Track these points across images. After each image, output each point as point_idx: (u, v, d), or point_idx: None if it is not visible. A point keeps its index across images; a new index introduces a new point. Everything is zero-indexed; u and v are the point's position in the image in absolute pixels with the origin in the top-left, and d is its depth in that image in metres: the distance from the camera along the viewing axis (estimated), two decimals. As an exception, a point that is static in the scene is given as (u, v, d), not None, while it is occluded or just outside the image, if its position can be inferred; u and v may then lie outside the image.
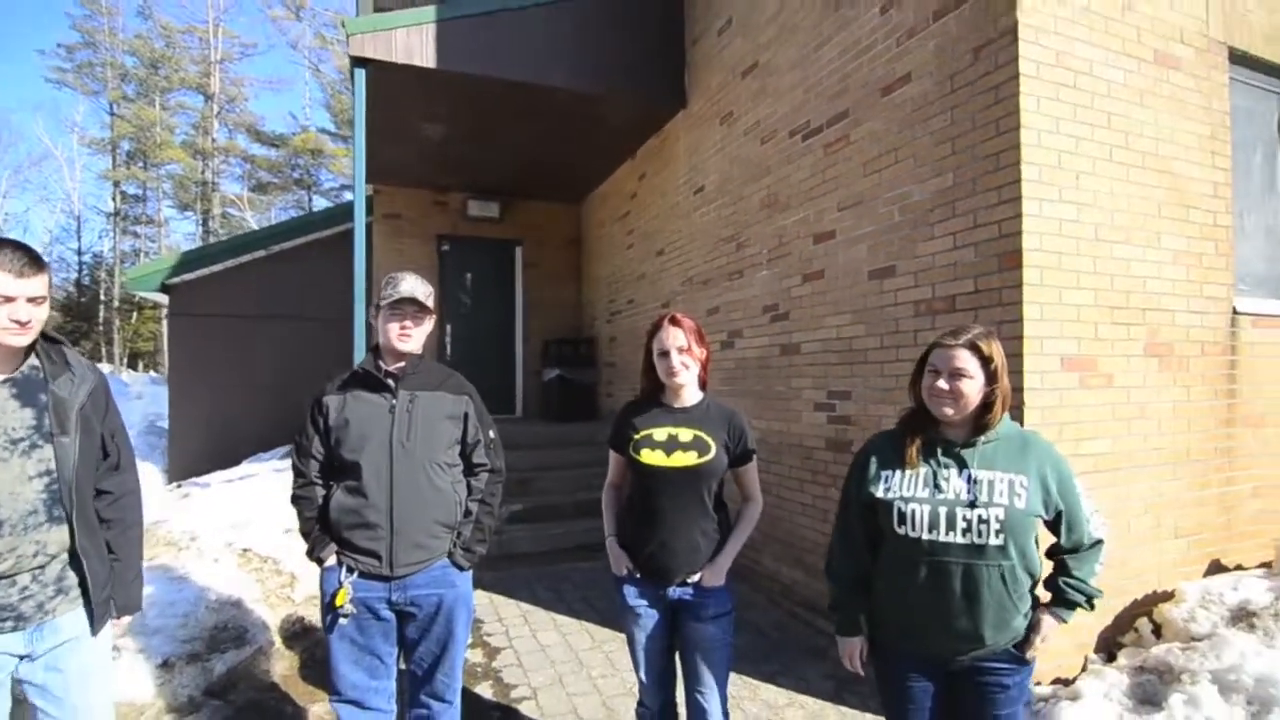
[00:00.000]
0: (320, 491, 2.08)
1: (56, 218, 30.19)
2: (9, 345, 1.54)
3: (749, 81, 4.75)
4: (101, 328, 27.45)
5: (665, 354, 2.03)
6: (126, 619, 1.81)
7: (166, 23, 28.00)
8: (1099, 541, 1.66)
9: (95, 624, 1.69)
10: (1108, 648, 2.95)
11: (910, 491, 1.64)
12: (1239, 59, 3.35)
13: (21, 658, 1.57)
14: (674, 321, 2.05)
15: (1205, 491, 3.21)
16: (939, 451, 1.65)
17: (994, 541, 1.56)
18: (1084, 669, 2.86)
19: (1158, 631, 2.96)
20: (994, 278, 2.84)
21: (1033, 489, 1.59)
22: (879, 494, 1.68)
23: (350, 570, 2.01)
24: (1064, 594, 1.67)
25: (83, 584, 1.66)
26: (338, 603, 1.96)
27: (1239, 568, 3.27)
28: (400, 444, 2.02)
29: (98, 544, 1.68)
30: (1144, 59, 3.01)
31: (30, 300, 1.53)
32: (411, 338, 2.07)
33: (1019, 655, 1.64)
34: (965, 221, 2.98)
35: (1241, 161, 3.44)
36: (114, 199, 28.63)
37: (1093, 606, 1.70)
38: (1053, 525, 1.67)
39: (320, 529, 2.05)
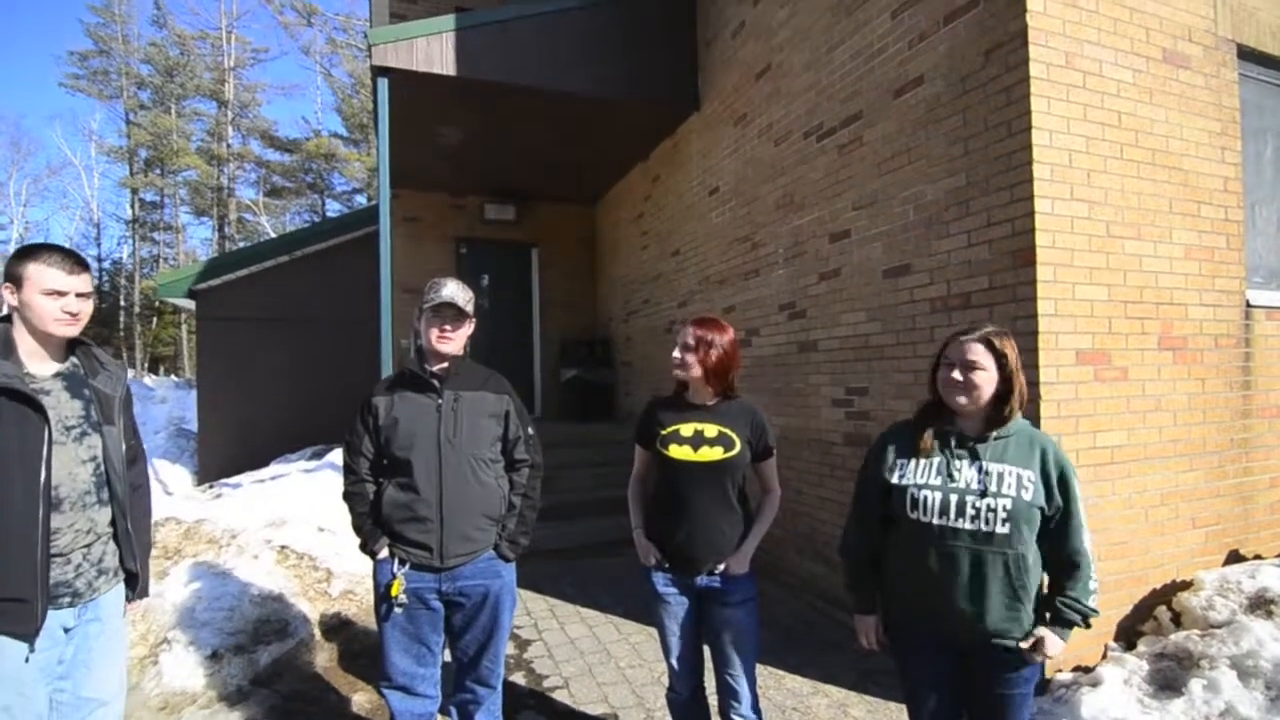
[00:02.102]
0: (371, 488, 2.19)
1: (76, 225, 30.70)
2: (59, 335, 1.69)
3: (762, 84, 4.82)
4: (122, 333, 27.91)
5: (676, 346, 2.16)
6: (139, 603, 1.95)
7: (180, 30, 28.46)
8: (1086, 555, 1.70)
9: (126, 602, 1.86)
10: (1127, 636, 3.01)
11: (924, 479, 1.73)
12: (1248, 55, 3.39)
13: (66, 630, 1.69)
14: (696, 323, 2.17)
15: (1222, 482, 3.26)
16: (953, 443, 1.74)
17: (1000, 530, 1.64)
18: (1104, 657, 2.91)
19: (1177, 620, 3.00)
20: (1008, 274, 2.91)
21: (1038, 484, 1.67)
22: (894, 480, 1.77)
23: (402, 562, 2.13)
24: (1061, 613, 1.72)
25: (120, 564, 1.81)
26: (393, 593, 2.07)
27: (1257, 558, 3.31)
28: (447, 441, 2.13)
29: (127, 527, 1.82)
30: (1153, 58, 3.06)
31: (79, 295, 1.70)
32: (451, 340, 2.17)
33: (1027, 656, 1.70)
34: (979, 220, 3.05)
35: (1252, 156, 3.48)
36: (132, 206, 29.11)
37: (1089, 625, 1.74)
38: (1048, 523, 1.71)
39: (373, 523, 2.17)
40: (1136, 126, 3.02)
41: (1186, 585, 3.10)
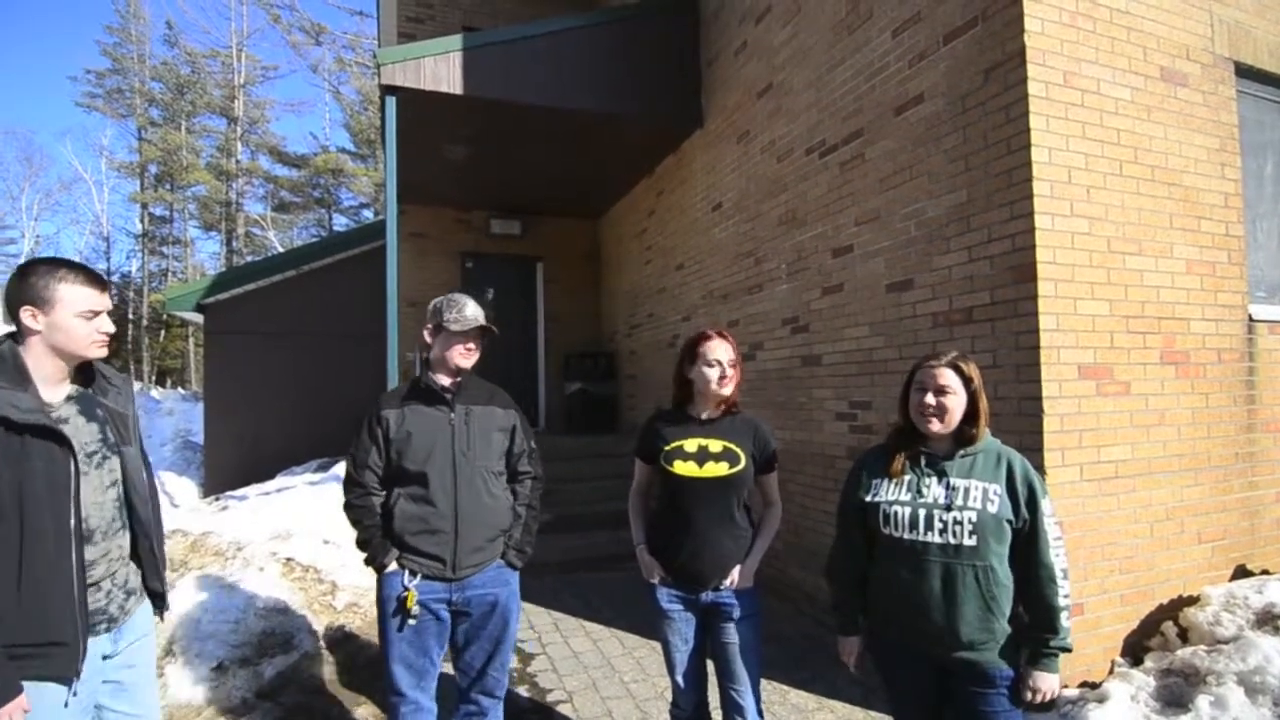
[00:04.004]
0: (377, 501, 2.19)
1: (86, 239, 31.01)
2: (94, 357, 1.62)
3: (764, 102, 4.88)
4: (130, 346, 28.07)
5: (714, 364, 2.14)
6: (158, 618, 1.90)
7: (191, 49, 28.90)
8: (1052, 569, 1.71)
9: (154, 617, 1.83)
10: (1134, 651, 2.99)
11: (894, 496, 1.81)
12: (1245, 73, 3.43)
13: (105, 658, 1.65)
14: (725, 336, 2.18)
15: (1227, 497, 3.25)
16: (923, 463, 1.82)
17: (968, 542, 1.70)
18: (1111, 672, 2.89)
19: (1183, 635, 2.98)
20: (1009, 290, 2.93)
21: (1005, 497, 1.73)
22: (868, 499, 1.86)
23: (413, 574, 2.13)
24: (1038, 656, 1.73)
25: (143, 582, 1.75)
26: (408, 605, 2.08)
27: (1265, 573, 3.28)
28: (461, 454, 2.17)
29: (151, 547, 1.76)
30: (1151, 76, 3.10)
31: (109, 314, 1.63)
32: (474, 356, 2.26)
33: (1024, 697, 1.72)
34: (980, 236, 3.08)
35: (1253, 171, 3.51)
36: (142, 220, 29.41)
37: (1069, 649, 1.73)
38: (1018, 537, 1.74)
39: (381, 536, 2.17)
40: (1135, 143, 3.05)
41: (1193, 600, 3.08)
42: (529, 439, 2.40)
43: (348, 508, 2.20)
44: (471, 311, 2.23)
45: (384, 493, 2.21)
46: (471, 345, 2.23)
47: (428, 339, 2.27)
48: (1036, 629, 1.73)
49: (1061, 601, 1.70)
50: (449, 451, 2.16)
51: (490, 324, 2.26)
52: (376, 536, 2.16)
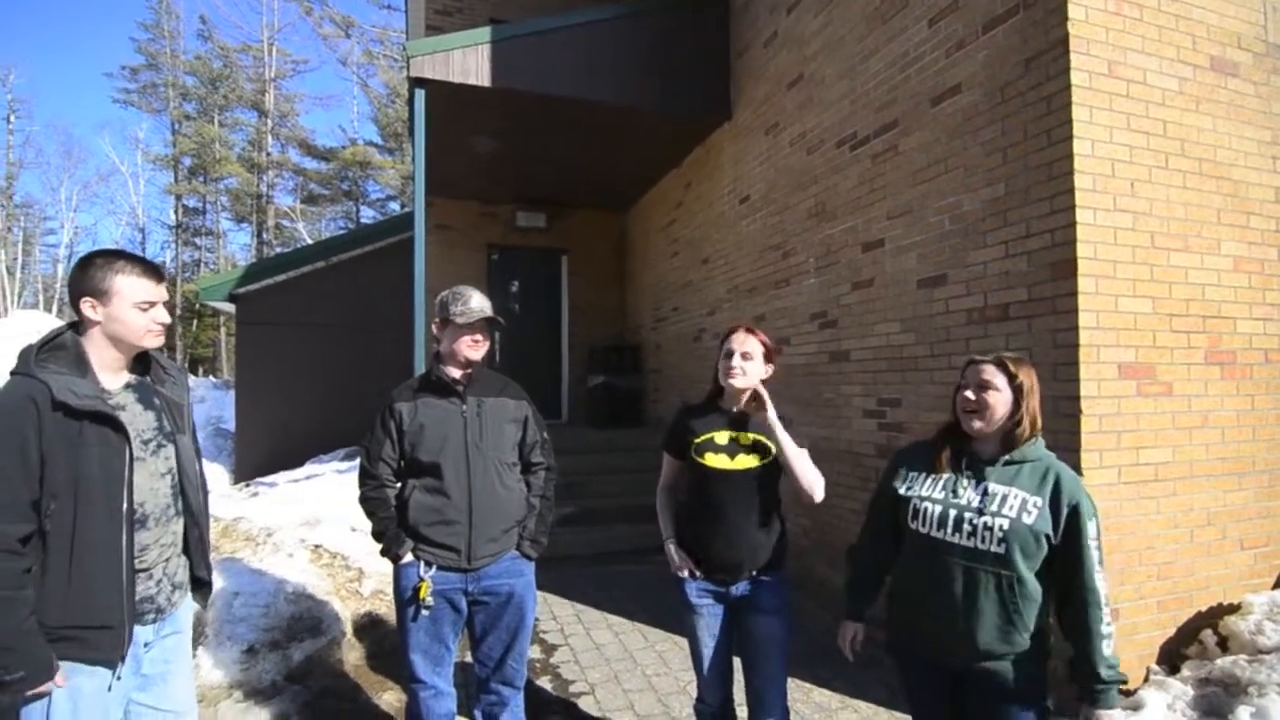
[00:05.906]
0: (392, 493, 2.22)
1: (123, 230, 31.89)
2: (151, 346, 1.66)
3: (795, 93, 4.82)
4: (164, 335, 28.70)
5: (730, 354, 2.12)
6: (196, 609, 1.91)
7: (224, 44, 29.41)
8: (1096, 593, 1.61)
9: (195, 613, 1.83)
10: (1170, 659, 2.91)
11: (927, 492, 1.77)
12: (1301, 62, 3.29)
13: (145, 644, 1.65)
14: (749, 330, 2.16)
15: (1273, 502, 3.14)
16: (965, 464, 1.77)
17: (994, 549, 1.64)
18: (1146, 680, 2.82)
19: (1223, 644, 2.90)
20: (1048, 286, 2.85)
21: (1044, 511, 1.64)
22: (901, 491, 1.83)
23: (429, 565, 2.16)
24: (1089, 692, 1.60)
25: (190, 573, 1.77)
26: (421, 595, 2.11)
27: (1309, 582, 3.19)
28: (474, 445, 2.19)
29: (197, 537, 1.79)
30: (1199, 65, 2.99)
31: (165, 304, 1.67)
32: (483, 348, 2.26)
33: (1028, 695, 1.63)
34: (1018, 230, 3.00)
35: (1307, 165, 3.36)
36: (176, 212, 30.11)
37: (1123, 680, 1.61)
38: (1056, 557, 1.64)
39: (396, 527, 2.19)
40: (1182, 135, 2.94)
41: (1234, 608, 2.99)
42: (541, 430, 2.41)
43: (363, 500, 2.23)
44: (477, 304, 2.23)
45: (398, 485, 2.24)
46: (479, 337, 2.24)
47: (436, 332, 2.29)
48: (1082, 663, 1.60)
49: (1105, 629, 1.59)
50: (462, 443, 2.18)
51: (497, 315, 2.27)
52: (391, 528, 2.19)
